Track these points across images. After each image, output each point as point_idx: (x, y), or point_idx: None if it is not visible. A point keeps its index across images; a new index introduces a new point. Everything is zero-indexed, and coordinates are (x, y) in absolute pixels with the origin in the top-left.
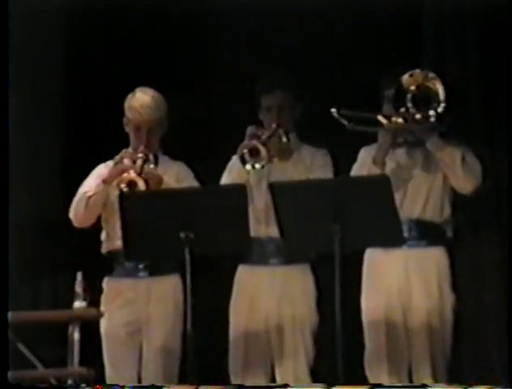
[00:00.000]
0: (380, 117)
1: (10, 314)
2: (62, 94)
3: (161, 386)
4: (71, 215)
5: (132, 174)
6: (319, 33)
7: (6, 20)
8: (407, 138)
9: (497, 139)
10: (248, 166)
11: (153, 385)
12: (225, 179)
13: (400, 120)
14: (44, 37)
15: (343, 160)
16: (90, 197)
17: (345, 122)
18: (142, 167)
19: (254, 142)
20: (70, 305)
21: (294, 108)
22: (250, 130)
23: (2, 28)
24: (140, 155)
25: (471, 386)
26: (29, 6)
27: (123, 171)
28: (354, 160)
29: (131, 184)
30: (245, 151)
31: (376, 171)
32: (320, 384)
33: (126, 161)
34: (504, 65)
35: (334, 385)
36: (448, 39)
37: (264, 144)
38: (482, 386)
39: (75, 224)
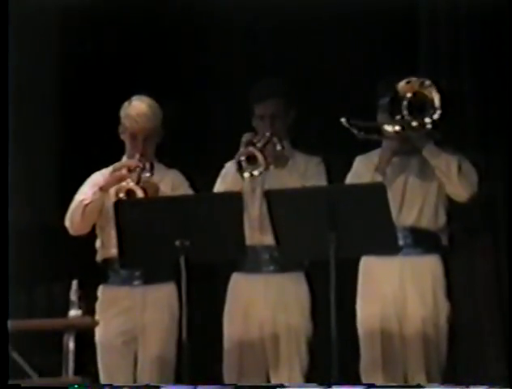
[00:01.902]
0: (386, 127)
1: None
2: (58, 102)
3: (158, 386)
4: (67, 223)
5: (130, 184)
6: (313, 41)
7: (6, 21)
8: (402, 147)
9: (493, 147)
10: (246, 174)
11: (147, 384)
12: (219, 187)
13: (398, 127)
14: (37, 46)
15: (336, 168)
16: (86, 205)
17: (355, 131)
18: (139, 176)
19: (251, 149)
20: (65, 313)
21: (287, 115)
22: (246, 137)
23: (2, 30)
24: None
25: (467, 386)
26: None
27: (120, 179)
28: (347, 167)
29: (130, 193)
30: (243, 158)
31: (378, 180)
32: (314, 384)
33: (124, 170)
34: (500, 72)
35: (330, 384)
36: (443, 45)
37: (261, 151)
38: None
39: (71, 232)
